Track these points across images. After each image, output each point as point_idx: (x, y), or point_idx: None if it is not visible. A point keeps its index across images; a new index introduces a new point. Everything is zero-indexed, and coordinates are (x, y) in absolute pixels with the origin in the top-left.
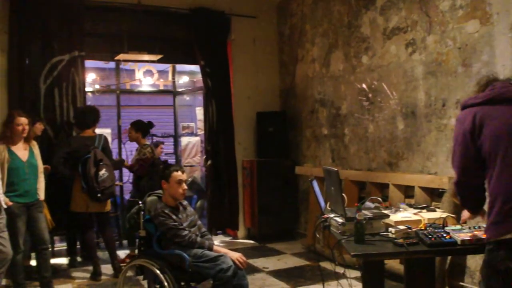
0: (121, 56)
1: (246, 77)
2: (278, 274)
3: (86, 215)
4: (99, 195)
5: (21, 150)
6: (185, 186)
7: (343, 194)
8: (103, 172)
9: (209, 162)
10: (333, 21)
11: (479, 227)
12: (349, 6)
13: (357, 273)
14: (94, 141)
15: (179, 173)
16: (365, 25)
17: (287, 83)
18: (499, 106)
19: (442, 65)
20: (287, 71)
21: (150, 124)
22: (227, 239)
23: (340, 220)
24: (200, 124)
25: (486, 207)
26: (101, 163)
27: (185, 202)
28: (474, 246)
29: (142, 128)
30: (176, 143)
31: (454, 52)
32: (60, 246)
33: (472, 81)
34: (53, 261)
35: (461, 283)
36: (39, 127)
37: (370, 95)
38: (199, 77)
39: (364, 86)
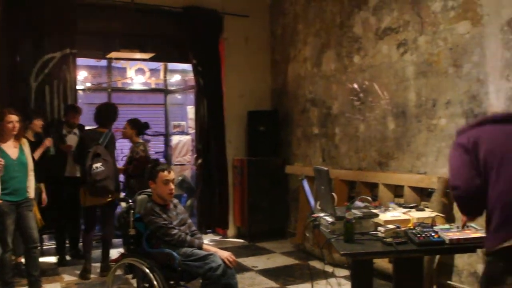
0: (113, 54)
1: (238, 76)
2: (267, 273)
3: (92, 211)
4: (91, 187)
5: (11, 148)
6: (172, 186)
7: (333, 193)
8: (97, 165)
9: (199, 161)
10: (325, 21)
11: (468, 226)
12: (342, 6)
13: (346, 272)
14: (100, 137)
15: (166, 173)
16: (357, 25)
17: (278, 82)
18: (489, 125)
19: (433, 66)
20: (279, 70)
21: (146, 125)
22: (217, 238)
23: (329, 219)
24: (191, 123)
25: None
26: (97, 157)
27: (175, 201)
28: (462, 245)
29: (137, 126)
30: (167, 142)
31: (445, 52)
32: (49, 244)
33: (462, 82)
34: (42, 259)
35: (448, 282)
36: (37, 123)
37: (361, 95)
38: (191, 75)
39: (355, 86)
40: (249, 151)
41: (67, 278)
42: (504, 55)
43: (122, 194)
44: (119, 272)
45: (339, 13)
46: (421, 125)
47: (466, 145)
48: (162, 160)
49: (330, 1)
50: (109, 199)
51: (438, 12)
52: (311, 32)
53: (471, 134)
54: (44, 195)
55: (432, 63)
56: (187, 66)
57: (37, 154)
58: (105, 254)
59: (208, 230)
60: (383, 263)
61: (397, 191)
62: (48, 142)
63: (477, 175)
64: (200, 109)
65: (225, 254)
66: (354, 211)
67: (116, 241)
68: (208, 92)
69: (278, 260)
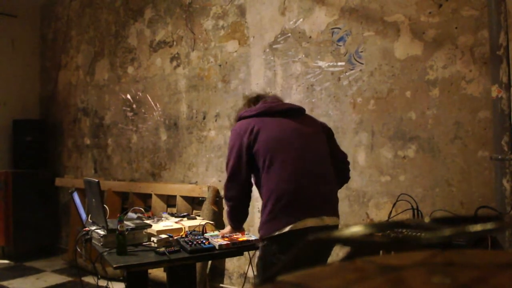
0: None
1: (2, 81)
2: None
3: None
4: None
5: None
6: None
7: (105, 205)
8: None
9: None
10: (100, 29)
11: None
12: (118, 16)
13: (122, 285)
14: None
15: None
16: (132, 36)
17: (48, 90)
18: (270, 118)
19: (204, 80)
20: (49, 77)
21: None
22: None
23: (102, 232)
24: None
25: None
26: None
27: None
28: (230, 249)
29: None
30: None
31: (215, 68)
32: None
33: (230, 97)
34: None
35: (221, 285)
36: None
37: (134, 106)
38: None
39: (128, 96)
40: (14, 163)
41: None
42: (266, 74)
43: None
44: None
45: (114, 23)
46: (192, 137)
47: (247, 131)
48: None
49: (106, 9)
50: None
51: (210, 30)
52: (85, 40)
53: (253, 122)
54: None
55: (203, 77)
56: None
57: None
58: None
59: None
60: (158, 273)
61: (169, 201)
62: None
63: (251, 168)
64: None
65: None
66: (126, 222)
67: None
68: None
69: (49, 279)
